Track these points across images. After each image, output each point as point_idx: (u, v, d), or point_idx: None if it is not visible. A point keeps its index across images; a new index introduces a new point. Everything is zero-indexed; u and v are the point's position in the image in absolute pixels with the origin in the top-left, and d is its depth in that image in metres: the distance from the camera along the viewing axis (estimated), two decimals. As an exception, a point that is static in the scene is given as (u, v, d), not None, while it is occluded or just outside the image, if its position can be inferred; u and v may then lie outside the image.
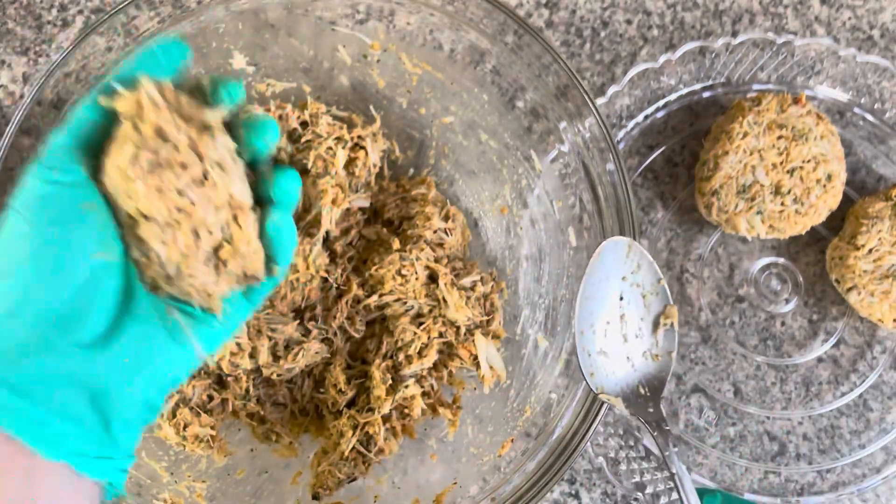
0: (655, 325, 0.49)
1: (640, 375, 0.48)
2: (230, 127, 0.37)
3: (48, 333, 0.32)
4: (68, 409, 0.32)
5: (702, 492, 0.46)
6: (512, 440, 0.53)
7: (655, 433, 0.46)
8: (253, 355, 0.53)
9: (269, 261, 0.39)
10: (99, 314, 0.33)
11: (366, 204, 0.58)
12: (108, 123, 0.34)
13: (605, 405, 0.48)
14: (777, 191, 0.59)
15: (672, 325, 0.48)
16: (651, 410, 0.47)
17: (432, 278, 0.55)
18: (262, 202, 0.38)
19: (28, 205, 0.33)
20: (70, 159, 0.33)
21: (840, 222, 0.63)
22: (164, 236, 0.33)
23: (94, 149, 0.34)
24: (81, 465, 0.32)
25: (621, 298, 0.48)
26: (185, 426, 0.52)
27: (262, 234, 0.37)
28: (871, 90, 0.64)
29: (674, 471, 0.45)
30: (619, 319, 0.48)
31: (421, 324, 0.54)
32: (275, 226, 0.37)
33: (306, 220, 0.54)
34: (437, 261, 0.56)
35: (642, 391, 0.48)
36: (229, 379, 0.54)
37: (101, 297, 0.33)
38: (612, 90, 0.63)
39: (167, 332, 0.35)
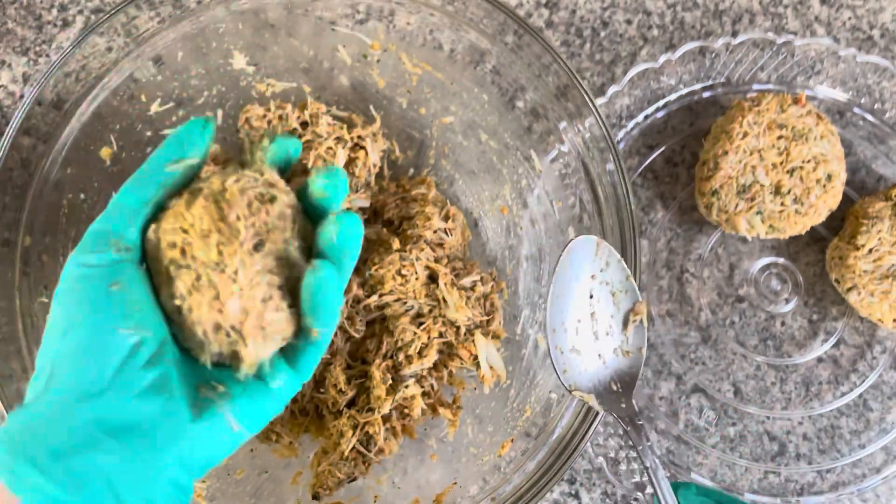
0: (625, 321, 0.49)
1: (612, 372, 0.49)
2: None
3: (72, 412, 0.32)
4: (87, 491, 0.31)
5: (676, 485, 0.47)
6: (512, 440, 0.53)
7: (629, 428, 0.46)
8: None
9: (306, 321, 0.36)
10: (125, 394, 0.33)
11: (366, 204, 0.58)
12: (148, 213, 0.36)
13: (605, 405, 0.48)
14: (777, 191, 0.59)
15: (641, 321, 0.49)
16: (623, 406, 0.48)
17: (432, 278, 0.55)
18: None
19: (63, 289, 0.34)
20: (104, 240, 0.35)
21: (840, 222, 0.63)
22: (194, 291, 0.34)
23: (138, 229, 0.36)
24: None
25: (591, 296, 0.49)
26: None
27: (302, 288, 0.35)
28: (871, 90, 0.64)
29: (647, 464, 0.45)
30: (590, 317, 0.49)
31: (421, 324, 0.54)
32: (318, 281, 0.35)
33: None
34: (437, 261, 0.56)
35: (614, 387, 0.48)
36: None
37: (129, 377, 0.33)
38: (612, 90, 0.63)
39: (199, 413, 0.34)
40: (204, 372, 0.36)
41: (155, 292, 0.35)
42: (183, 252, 0.34)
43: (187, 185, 0.36)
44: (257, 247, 0.34)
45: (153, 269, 0.35)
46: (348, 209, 0.39)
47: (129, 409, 0.33)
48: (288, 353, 0.37)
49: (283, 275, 0.35)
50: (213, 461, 0.35)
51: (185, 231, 0.34)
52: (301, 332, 0.36)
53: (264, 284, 0.34)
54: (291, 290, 0.36)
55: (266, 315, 0.34)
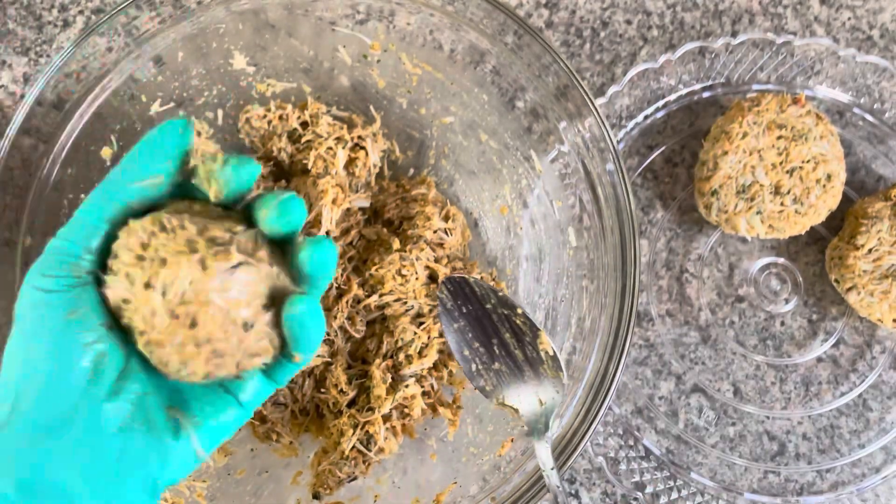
0: None
1: None
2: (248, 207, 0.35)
3: (36, 447, 0.32)
4: None
5: None
6: (512, 440, 0.53)
7: None
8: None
9: (289, 348, 0.35)
10: (87, 425, 0.32)
11: (366, 204, 0.58)
12: (111, 231, 0.34)
13: (605, 405, 0.48)
14: (777, 191, 0.59)
15: None
16: None
17: (432, 278, 0.56)
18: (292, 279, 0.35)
19: (21, 312, 0.33)
20: (63, 262, 0.33)
21: (840, 222, 0.63)
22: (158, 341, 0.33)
23: (98, 249, 0.34)
24: None
25: None
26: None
27: (282, 322, 0.34)
28: (870, 90, 0.64)
29: None
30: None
31: (421, 324, 0.55)
32: (297, 316, 0.34)
33: (306, 220, 0.54)
34: (437, 261, 0.56)
35: None
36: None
37: (90, 408, 0.33)
38: (612, 90, 0.63)
39: (163, 436, 0.34)
40: (171, 395, 0.35)
41: (116, 316, 0.34)
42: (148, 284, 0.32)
43: (154, 203, 0.34)
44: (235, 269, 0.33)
45: (114, 292, 0.33)
46: (324, 233, 0.36)
47: (91, 441, 0.32)
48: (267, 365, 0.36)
49: (267, 293, 0.34)
50: (174, 482, 0.35)
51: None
52: (284, 349, 0.35)
53: (251, 306, 0.33)
54: (276, 304, 0.34)
55: (249, 340, 0.33)
